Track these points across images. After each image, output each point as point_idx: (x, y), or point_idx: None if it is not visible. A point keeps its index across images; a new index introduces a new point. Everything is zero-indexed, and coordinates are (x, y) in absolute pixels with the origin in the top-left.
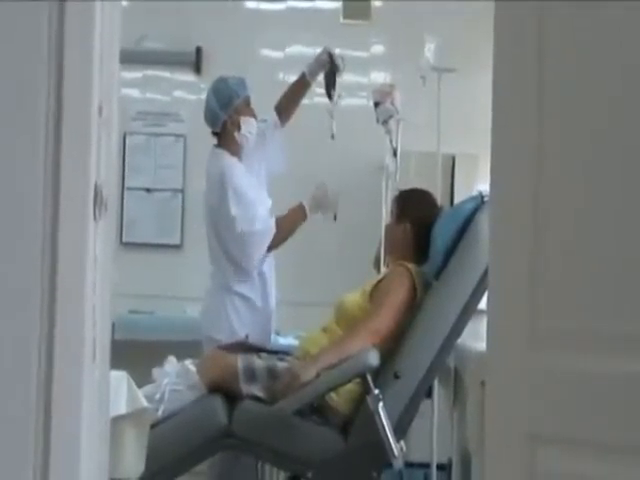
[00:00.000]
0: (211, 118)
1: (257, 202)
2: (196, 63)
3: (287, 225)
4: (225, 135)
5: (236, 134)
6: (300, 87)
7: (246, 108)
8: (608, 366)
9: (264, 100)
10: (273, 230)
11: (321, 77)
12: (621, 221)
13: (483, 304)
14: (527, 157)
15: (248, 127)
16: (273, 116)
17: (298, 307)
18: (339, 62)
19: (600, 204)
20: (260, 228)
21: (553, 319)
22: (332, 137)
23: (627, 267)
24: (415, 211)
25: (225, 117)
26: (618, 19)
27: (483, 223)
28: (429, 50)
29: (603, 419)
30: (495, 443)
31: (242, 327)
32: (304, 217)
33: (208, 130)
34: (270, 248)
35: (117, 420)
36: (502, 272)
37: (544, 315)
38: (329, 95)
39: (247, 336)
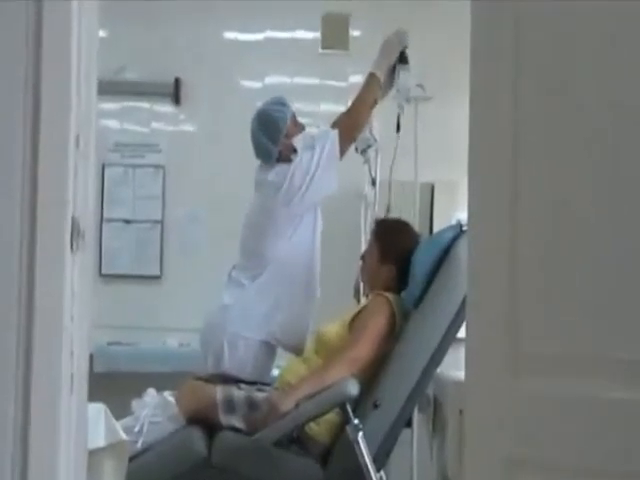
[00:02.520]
0: (265, 155)
1: None
2: (175, 94)
3: (358, 96)
4: (281, 158)
5: (292, 156)
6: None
7: (294, 127)
8: (586, 393)
9: (243, 130)
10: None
11: None
12: (600, 247)
13: (462, 333)
14: (504, 185)
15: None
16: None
17: None
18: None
19: (578, 231)
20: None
21: (531, 347)
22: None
23: (605, 294)
24: (399, 251)
25: (279, 149)
26: (596, 41)
27: (462, 252)
28: (405, 79)
29: (581, 445)
30: (474, 470)
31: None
32: (377, 81)
33: (187, 161)
34: (352, 135)
35: (95, 453)
36: (480, 301)
37: (522, 343)
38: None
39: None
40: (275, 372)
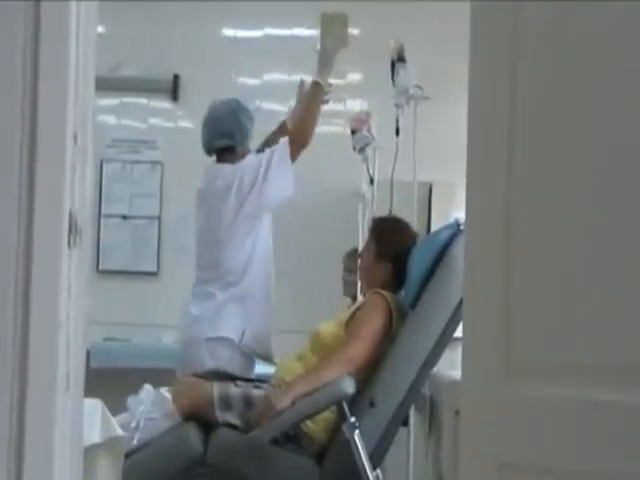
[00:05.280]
0: (240, 137)
1: None
2: (173, 90)
3: (303, 106)
4: (232, 157)
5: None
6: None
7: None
8: (580, 396)
9: None
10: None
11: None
12: (594, 253)
13: (459, 332)
14: (501, 187)
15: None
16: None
17: (273, 334)
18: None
19: (575, 235)
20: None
21: (526, 350)
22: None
23: (599, 299)
24: (396, 249)
25: (243, 146)
26: (596, 41)
27: (459, 252)
28: (405, 77)
29: (577, 449)
30: (468, 473)
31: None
32: (320, 88)
33: (184, 157)
34: (302, 141)
35: (91, 449)
36: (476, 302)
37: (518, 346)
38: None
39: (243, 332)
40: (271, 370)
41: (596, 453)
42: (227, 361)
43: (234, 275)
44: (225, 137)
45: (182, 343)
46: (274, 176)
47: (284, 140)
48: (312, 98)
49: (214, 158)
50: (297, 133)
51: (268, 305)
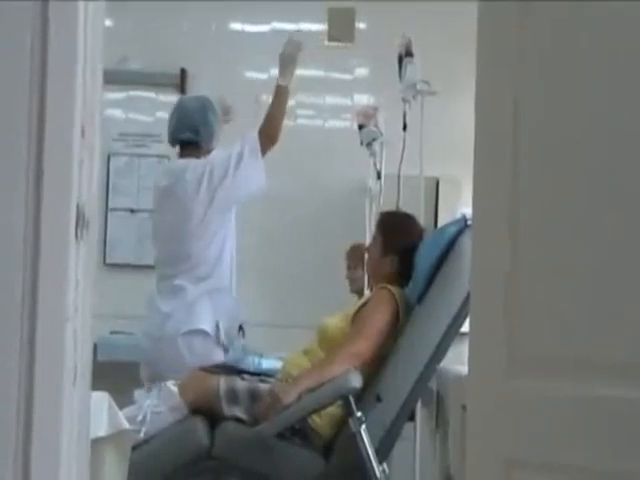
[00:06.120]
0: (209, 134)
1: None
2: (180, 84)
3: (272, 107)
4: (196, 152)
5: (204, 156)
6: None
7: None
8: (585, 392)
9: (246, 122)
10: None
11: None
12: (600, 249)
13: (465, 327)
14: (508, 182)
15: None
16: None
17: (280, 329)
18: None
19: (580, 231)
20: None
21: (532, 345)
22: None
23: (604, 295)
24: (402, 243)
25: (208, 145)
26: (601, 41)
27: (466, 246)
28: (412, 72)
29: (581, 445)
30: (475, 467)
31: (222, 318)
32: (285, 90)
33: None
34: (271, 139)
35: (98, 442)
36: (482, 297)
37: (523, 341)
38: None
39: (218, 324)
40: (277, 364)
41: (604, 449)
42: (205, 354)
43: (205, 269)
44: (190, 131)
45: (152, 341)
46: (246, 168)
47: (253, 134)
48: (277, 100)
49: (177, 153)
50: (266, 131)
51: (232, 297)
